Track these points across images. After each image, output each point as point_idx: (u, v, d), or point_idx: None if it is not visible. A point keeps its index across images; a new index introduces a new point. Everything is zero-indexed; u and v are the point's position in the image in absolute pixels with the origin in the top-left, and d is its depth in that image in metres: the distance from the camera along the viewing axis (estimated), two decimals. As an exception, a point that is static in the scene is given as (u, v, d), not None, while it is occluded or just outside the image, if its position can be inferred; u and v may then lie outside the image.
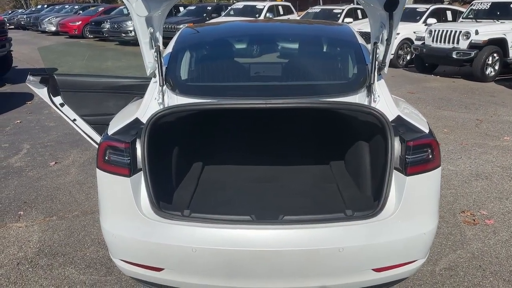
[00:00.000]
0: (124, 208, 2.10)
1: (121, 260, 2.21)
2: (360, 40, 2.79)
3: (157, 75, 2.40)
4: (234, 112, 2.60)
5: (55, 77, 3.65)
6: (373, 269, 2.02)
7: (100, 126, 3.86)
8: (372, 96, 2.28)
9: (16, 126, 6.51)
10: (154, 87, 2.48)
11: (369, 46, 2.57)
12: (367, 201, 2.33)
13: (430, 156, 2.08)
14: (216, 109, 2.22)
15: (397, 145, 2.07)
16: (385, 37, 2.24)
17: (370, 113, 2.13)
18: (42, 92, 3.72)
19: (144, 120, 2.24)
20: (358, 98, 2.31)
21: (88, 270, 2.96)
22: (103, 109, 3.86)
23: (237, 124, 2.84)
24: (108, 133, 2.23)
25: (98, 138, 3.87)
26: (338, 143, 2.86)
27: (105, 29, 18.53)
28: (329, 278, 2.02)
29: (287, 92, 2.38)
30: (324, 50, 2.99)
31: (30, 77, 3.61)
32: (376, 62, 2.32)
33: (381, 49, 2.32)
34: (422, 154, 2.05)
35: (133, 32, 17.30)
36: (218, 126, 2.94)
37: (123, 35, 17.37)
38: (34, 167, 4.86)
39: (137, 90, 3.84)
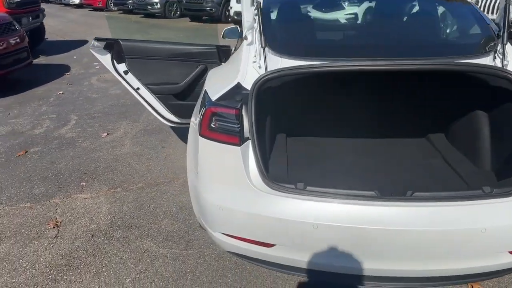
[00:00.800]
0: (233, 179, 1.94)
1: (224, 234, 2.07)
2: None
3: (256, 35, 2.19)
4: (335, 76, 2.37)
5: (121, 42, 3.47)
6: (510, 252, 1.84)
7: (163, 96, 3.71)
8: (502, 59, 2.04)
9: (59, 97, 6.41)
10: (248, 49, 2.28)
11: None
12: (488, 176, 2.13)
13: None
14: (332, 71, 2.00)
15: None
16: None
17: (506, 78, 1.91)
18: (105, 59, 3.56)
19: (245, 85, 2.05)
20: (489, 60, 2.08)
21: (167, 243, 2.85)
22: (167, 78, 3.70)
23: (330, 90, 2.61)
24: (211, 98, 2.05)
25: (161, 109, 3.73)
26: (441, 113, 2.63)
27: (130, 1, 18.21)
28: (464, 261, 1.84)
29: (412, 52, 2.14)
30: (441, 8, 2.72)
31: (94, 42, 3.45)
32: (507, 22, 2.07)
33: None
34: None
35: (158, 5, 16.99)
36: (309, 93, 2.73)
37: (149, 7, 17.06)
38: (86, 138, 4.76)
39: (203, 58, 3.66)
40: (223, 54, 3.67)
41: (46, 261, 2.70)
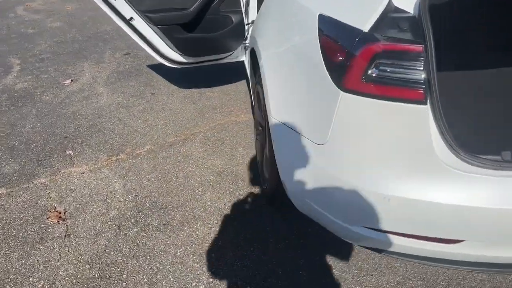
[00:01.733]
0: (408, 156, 1.29)
1: (370, 228, 1.46)
2: None
3: None
4: None
5: (108, -48, 2.45)
6: None
7: (167, 28, 2.81)
8: None
9: (-18, 35, 5.01)
10: None
11: None
12: None
13: None
14: None
15: None
16: None
17: None
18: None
19: (402, 5, 1.31)
20: None
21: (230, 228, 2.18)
22: (171, 2, 2.78)
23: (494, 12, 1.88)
24: (362, 29, 1.29)
25: (162, 45, 2.83)
26: None
27: None
28: None
29: None
30: None
31: None
32: None
33: None
34: None
35: None
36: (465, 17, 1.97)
37: None
38: (46, 88, 3.69)
39: None
40: None
41: (70, 274, 1.93)
